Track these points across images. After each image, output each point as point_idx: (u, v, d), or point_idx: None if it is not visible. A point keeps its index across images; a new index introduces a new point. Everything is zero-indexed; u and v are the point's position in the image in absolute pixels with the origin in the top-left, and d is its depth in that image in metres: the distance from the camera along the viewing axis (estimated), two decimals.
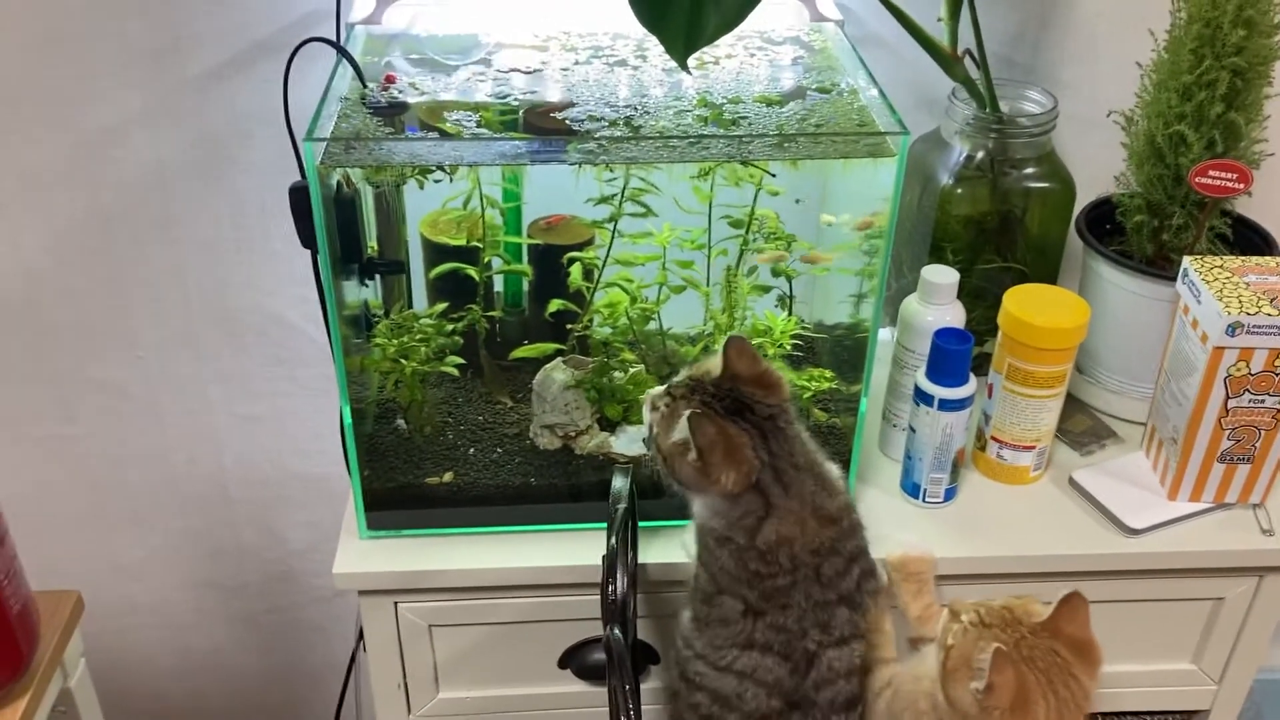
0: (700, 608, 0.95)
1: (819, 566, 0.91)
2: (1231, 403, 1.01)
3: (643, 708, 1.02)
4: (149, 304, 1.35)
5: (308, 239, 0.93)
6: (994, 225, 1.18)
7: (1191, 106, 1.06)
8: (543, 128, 0.94)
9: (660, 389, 0.93)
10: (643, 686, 1.10)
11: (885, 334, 1.24)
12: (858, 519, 0.95)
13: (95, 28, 1.18)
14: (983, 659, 0.81)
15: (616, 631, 0.85)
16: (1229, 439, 1.04)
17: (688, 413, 0.87)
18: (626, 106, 0.96)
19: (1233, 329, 0.97)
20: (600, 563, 0.91)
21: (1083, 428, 1.18)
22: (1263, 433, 1.03)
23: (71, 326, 1.36)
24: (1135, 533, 1.05)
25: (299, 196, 0.91)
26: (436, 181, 0.97)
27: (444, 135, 0.92)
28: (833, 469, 0.95)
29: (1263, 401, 1.01)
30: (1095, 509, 1.08)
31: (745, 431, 0.89)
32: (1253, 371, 1.00)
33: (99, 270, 1.32)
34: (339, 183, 0.96)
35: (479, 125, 0.93)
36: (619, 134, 0.92)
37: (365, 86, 0.98)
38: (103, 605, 1.58)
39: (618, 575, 0.88)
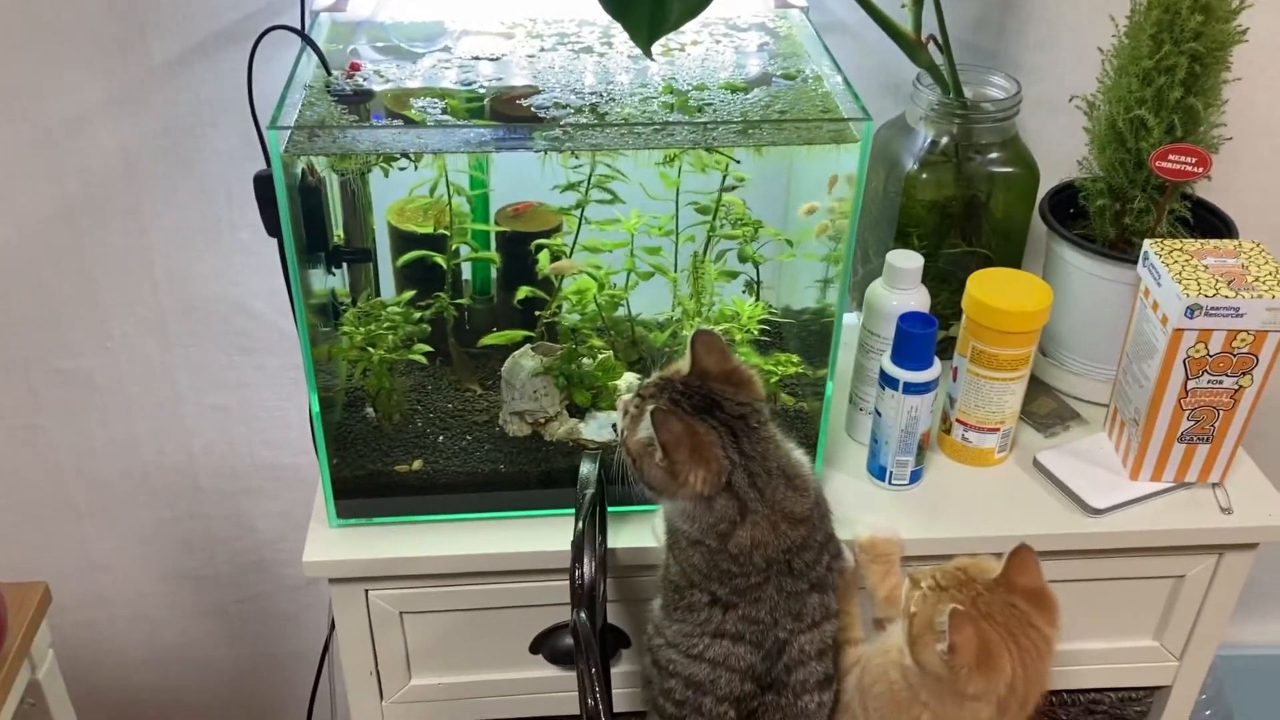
0: (670, 596, 0.95)
1: (790, 562, 0.91)
2: (1191, 384, 1.03)
3: (613, 691, 1.03)
4: (116, 294, 1.34)
5: (273, 227, 0.92)
6: (959, 210, 1.19)
7: (1151, 91, 1.07)
8: (508, 115, 0.94)
9: (631, 394, 0.93)
10: (614, 670, 1.11)
11: (851, 319, 1.25)
12: (825, 507, 0.95)
13: (58, 16, 1.17)
14: (943, 620, 0.84)
15: (583, 616, 0.86)
16: (1189, 419, 1.05)
17: (651, 408, 0.87)
18: (592, 93, 0.96)
19: (1191, 311, 0.99)
20: (570, 548, 0.92)
21: (1046, 410, 1.20)
22: (1221, 413, 1.05)
23: (38, 317, 1.35)
24: (1098, 512, 1.07)
25: (264, 185, 0.91)
26: (401, 169, 0.97)
27: (409, 123, 0.92)
28: (803, 462, 0.94)
29: (1221, 382, 1.03)
30: (1059, 489, 1.10)
31: (714, 429, 0.88)
32: (1211, 353, 1.01)
33: (65, 261, 1.31)
34: (304, 170, 0.95)
35: (444, 112, 0.93)
36: (584, 121, 0.92)
37: (330, 74, 0.98)
38: (72, 597, 1.57)
39: (585, 560, 0.88)
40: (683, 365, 0.92)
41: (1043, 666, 0.89)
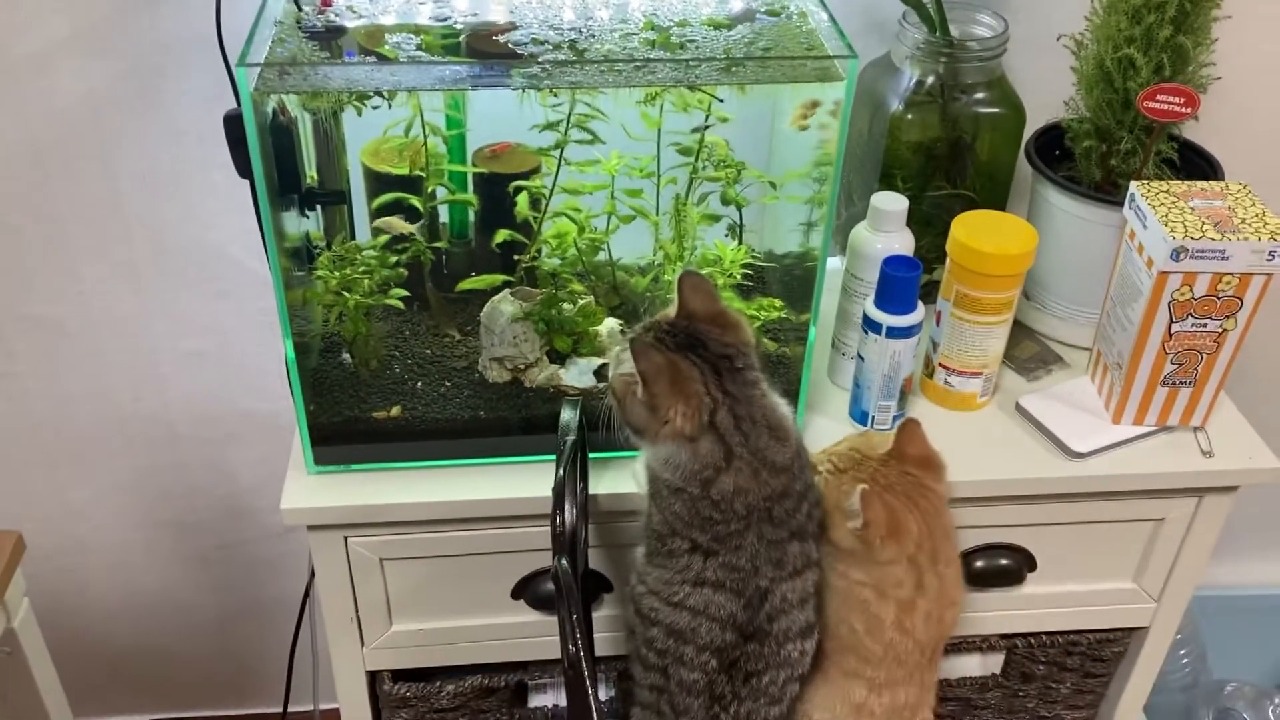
0: (652, 544, 0.95)
1: (770, 510, 0.91)
2: (1175, 327, 1.03)
3: (595, 636, 1.03)
4: (86, 239, 1.31)
5: (244, 168, 0.90)
6: (944, 151, 1.17)
7: (1140, 30, 1.05)
8: (485, 51, 0.92)
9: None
10: (596, 615, 1.11)
11: (835, 263, 1.23)
12: (805, 457, 0.95)
13: None
14: (853, 501, 0.91)
15: (564, 562, 0.85)
16: (1172, 363, 1.05)
17: (630, 338, 0.86)
18: (571, 29, 0.94)
19: (1177, 253, 0.98)
20: (551, 494, 0.91)
21: (1029, 354, 1.19)
22: (1204, 356, 1.04)
23: (6, 263, 1.32)
24: (1080, 456, 1.07)
25: (233, 124, 0.88)
26: (375, 108, 0.94)
27: (382, 60, 0.90)
28: (786, 413, 0.94)
29: (1205, 325, 1.02)
30: (1041, 433, 1.09)
31: (695, 365, 0.88)
32: (1196, 296, 1.00)
33: (32, 205, 1.28)
34: (274, 110, 0.93)
35: (419, 49, 0.91)
36: (564, 58, 0.90)
37: (300, 10, 0.95)
38: (49, 547, 1.56)
39: (566, 506, 0.88)
40: (671, 310, 0.91)
41: (942, 522, 0.97)
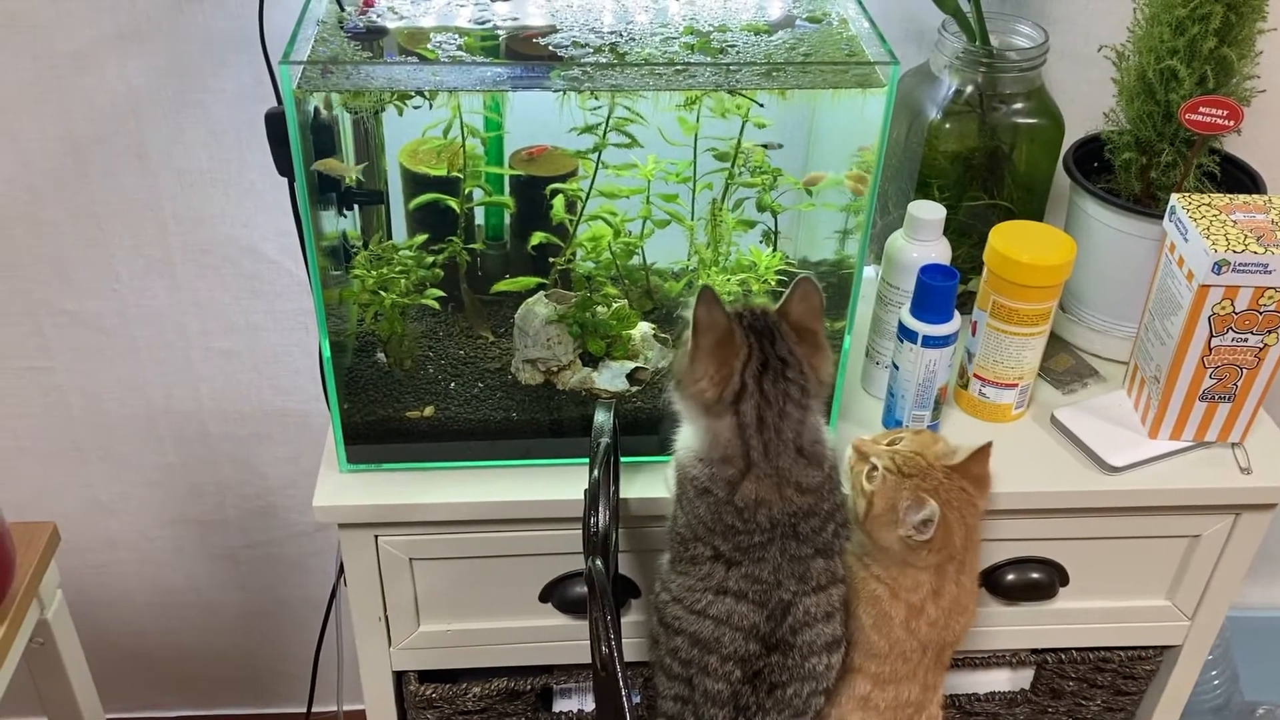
0: (676, 548, 0.95)
1: (796, 526, 0.91)
2: (1215, 341, 1.01)
3: (625, 641, 1.03)
4: (123, 236, 1.33)
5: (284, 166, 0.91)
6: (981, 162, 1.16)
7: (1184, 41, 1.04)
8: (525, 54, 0.92)
9: None
10: (623, 620, 1.10)
11: (870, 272, 1.23)
12: (837, 479, 0.95)
13: None
14: (918, 514, 0.91)
15: (598, 563, 0.85)
16: (1211, 377, 1.04)
17: (701, 285, 0.86)
18: (611, 33, 0.94)
19: (1219, 266, 0.97)
20: (582, 496, 0.91)
21: (1065, 366, 1.18)
22: (1244, 371, 1.03)
23: (44, 258, 1.33)
24: (1115, 470, 1.06)
25: (275, 123, 0.89)
26: (416, 108, 0.94)
27: (423, 60, 0.90)
28: (823, 439, 0.93)
29: (1245, 340, 1.01)
30: (1076, 447, 1.08)
31: (749, 347, 0.88)
32: (1237, 310, 0.99)
33: (72, 201, 1.30)
34: (316, 108, 0.93)
35: (460, 49, 0.91)
36: (604, 60, 0.90)
37: (343, 10, 0.95)
38: (80, 541, 1.57)
39: (600, 507, 0.87)
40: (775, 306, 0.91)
41: (978, 536, 0.99)
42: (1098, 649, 1.20)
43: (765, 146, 1.04)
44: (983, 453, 0.96)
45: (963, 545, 0.95)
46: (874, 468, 0.95)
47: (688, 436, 0.93)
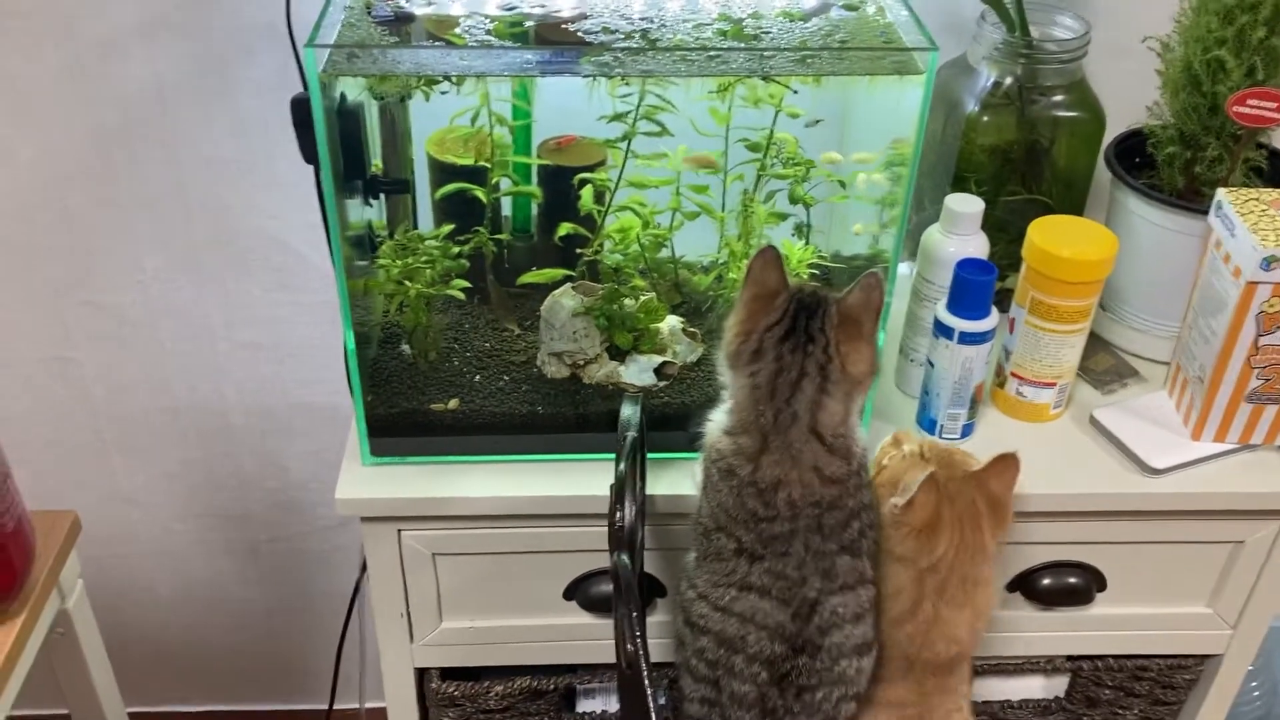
0: (700, 542, 0.93)
1: (820, 518, 0.89)
2: (1263, 340, 0.98)
3: (649, 640, 1.01)
4: (149, 226, 1.32)
5: (309, 153, 0.89)
6: (1020, 155, 1.14)
7: (1233, 31, 1.01)
8: (555, 40, 0.90)
9: None
10: (649, 619, 1.08)
11: (904, 268, 1.20)
12: (866, 477, 0.92)
13: None
14: (912, 481, 0.89)
15: (624, 558, 0.83)
16: (1258, 378, 1.01)
17: (765, 245, 0.87)
18: (642, 19, 0.92)
19: (1268, 263, 0.94)
20: (608, 492, 0.89)
21: (1104, 366, 1.15)
22: None
23: (70, 248, 1.33)
24: (1157, 472, 1.03)
25: (301, 108, 0.88)
26: (443, 93, 0.93)
27: (451, 45, 0.89)
28: (852, 435, 0.90)
29: None
30: (1116, 448, 1.05)
31: (781, 312, 0.87)
32: None
33: (97, 191, 1.29)
34: (342, 94, 0.92)
35: (488, 34, 0.89)
36: (635, 45, 0.88)
37: None
38: (102, 533, 1.57)
39: (626, 502, 0.86)
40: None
41: (973, 569, 0.93)
42: (1135, 657, 1.16)
43: (808, 125, 1.01)
44: (1003, 464, 0.92)
45: (946, 559, 0.91)
46: (902, 455, 0.94)
47: (719, 413, 0.92)
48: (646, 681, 0.80)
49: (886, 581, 0.94)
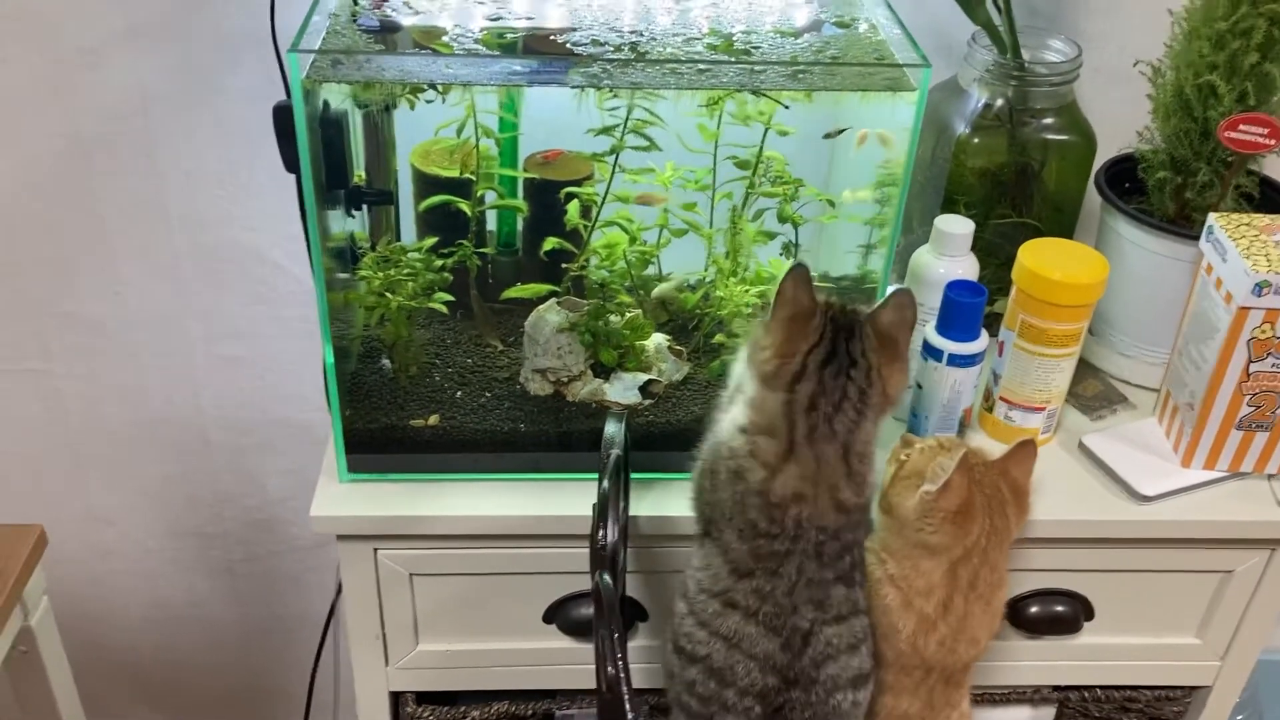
0: (701, 524, 0.91)
1: (822, 544, 0.86)
2: (1254, 367, 0.97)
3: (630, 666, 0.99)
4: (128, 237, 1.30)
5: (291, 162, 0.88)
6: (1010, 178, 1.13)
7: (1224, 56, 1.01)
8: (543, 51, 0.89)
9: None
10: (631, 645, 1.06)
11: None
12: (866, 514, 0.91)
13: None
14: (938, 466, 0.88)
15: (605, 577, 0.81)
16: (1248, 405, 1.00)
17: (794, 263, 0.84)
18: (632, 33, 0.91)
19: (1259, 288, 0.93)
20: (590, 512, 0.87)
21: (1094, 392, 1.14)
22: None
23: (47, 259, 1.31)
24: (1146, 499, 1.01)
25: (283, 116, 0.86)
26: (429, 102, 0.91)
27: (437, 53, 0.87)
28: (872, 468, 0.89)
29: None
30: (1105, 474, 1.04)
31: (819, 335, 0.85)
32: (1278, 334, 0.95)
33: (76, 200, 1.27)
34: (325, 102, 0.90)
35: (476, 43, 0.88)
36: (624, 57, 0.87)
37: (356, 4, 0.93)
38: (74, 550, 1.54)
39: (609, 521, 0.84)
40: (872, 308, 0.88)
41: (995, 556, 0.93)
42: (1123, 687, 1.15)
43: (829, 136, 1.00)
44: (1023, 451, 0.93)
45: (978, 544, 0.90)
46: (920, 450, 0.93)
47: (734, 413, 0.89)
48: (627, 704, 0.78)
49: (913, 586, 0.92)
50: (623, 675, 0.80)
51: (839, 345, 0.85)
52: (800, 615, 0.87)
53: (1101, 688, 1.15)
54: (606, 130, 0.96)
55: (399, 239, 1.07)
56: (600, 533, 0.84)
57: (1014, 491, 0.93)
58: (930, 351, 0.99)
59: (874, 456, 0.89)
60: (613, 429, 0.91)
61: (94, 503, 1.50)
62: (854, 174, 1.06)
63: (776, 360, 0.85)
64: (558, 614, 1.05)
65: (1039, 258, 1.00)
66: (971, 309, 0.97)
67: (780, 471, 0.85)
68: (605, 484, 0.85)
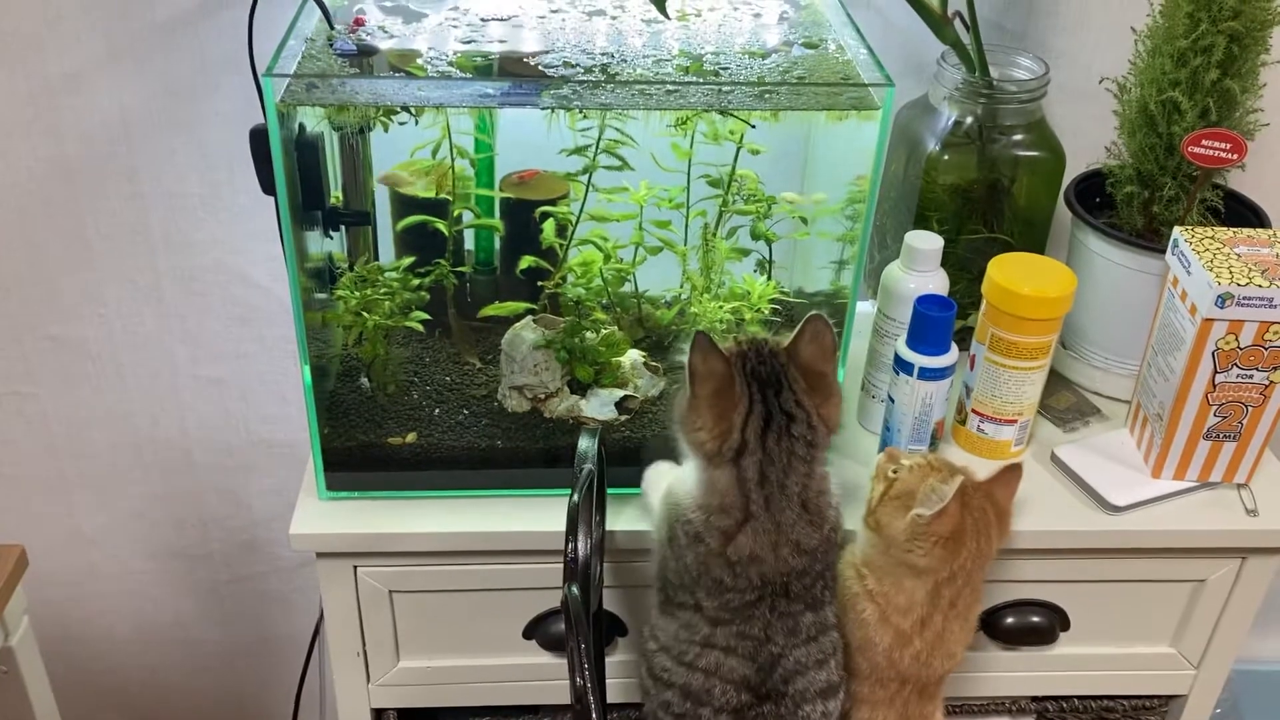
0: (663, 592, 0.92)
1: (788, 586, 0.88)
2: (1219, 377, 0.99)
3: (608, 681, 0.99)
4: (112, 259, 1.31)
5: (268, 184, 0.89)
6: (981, 194, 1.15)
7: (1186, 73, 1.03)
8: (517, 73, 0.91)
9: None
10: (609, 660, 1.07)
11: (865, 307, 1.20)
12: (837, 539, 0.91)
13: None
14: (930, 489, 0.89)
15: (575, 589, 0.82)
16: (1215, 415, 1.01)
17: (698, 330, 0.82)
18: (603, 55, 0.93)
19: (1222, 300, 0.94)
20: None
21: (1066, 404, 1.16)
22: (1250, 409, 1.00)
23: (31, 281, 1.31)
24: (1118, 510, 1.02)
25: (259, 139, 0.87)
26: (402, 124, 0.93)
27: (411, 76, 0.89)
28: (829, 496, 0.89)
29: (1251, 377, 0.98)
30: (1077, 485, 1.05)
31: (749, 400, 0.84)
32: (1241, 345, 0.97)
33: (60, 223, 1.28)
34: (301, 125, 0.92)
35: (450, 65, 0.90)
36: (595, 79, 0.88)
37: (332, 27, 0.94)
38: (59, 573, 1.54)
39: (579, 533, 0.84)
40: (785, 341, 0.87)
41: (979, 576, 0.95)
42: (1100, 697, 1.16)
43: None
44: (1008, 476, 0.94)
45: (963, 567, 0.91)
46: (908, 468, 0.93)
47: (685, 475, 0.89)
48: (594, 715, 0.78)
49: (891, 604, 0.92)
50: (590, 685, 0.80)
51: (770, 404, 0.84)
52: (773, 643, 0.88)
53: (1079, 698, 1.16)
54: (579, 150, 0.97)
55: (377, 259, 1.08)
56: (570, 545, 0.84)
57: (997, 513, 0.93)
58: (901, 365, 1.01)
59: (828, 479, 0.89)
60: (586, 443, 0.92)
61: (79, 524, 1.51)
62: (826, 192, 1.07)
63: (715, 441, 0.84)
64: (537, 629, 1.06)
65: (1008, 272, 1.02)
66: (941, 323, 0.99)
67: (737, 538, 0.85)
68: (576, 497, 0.86)
